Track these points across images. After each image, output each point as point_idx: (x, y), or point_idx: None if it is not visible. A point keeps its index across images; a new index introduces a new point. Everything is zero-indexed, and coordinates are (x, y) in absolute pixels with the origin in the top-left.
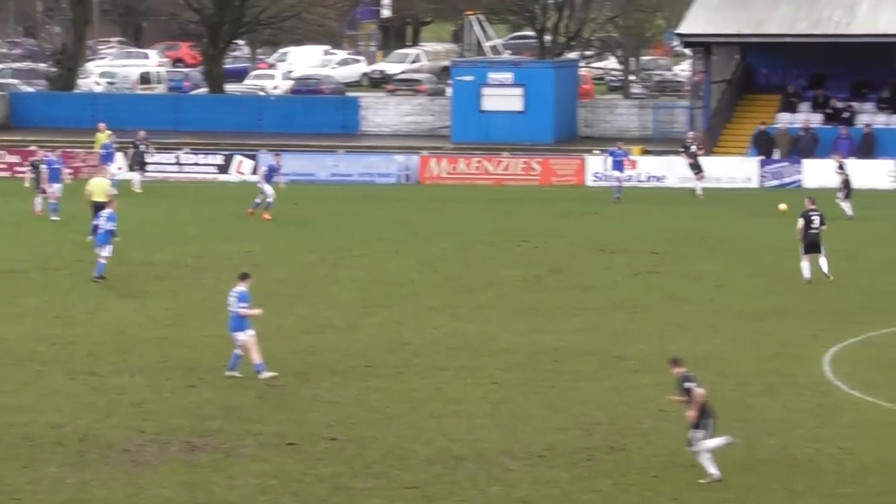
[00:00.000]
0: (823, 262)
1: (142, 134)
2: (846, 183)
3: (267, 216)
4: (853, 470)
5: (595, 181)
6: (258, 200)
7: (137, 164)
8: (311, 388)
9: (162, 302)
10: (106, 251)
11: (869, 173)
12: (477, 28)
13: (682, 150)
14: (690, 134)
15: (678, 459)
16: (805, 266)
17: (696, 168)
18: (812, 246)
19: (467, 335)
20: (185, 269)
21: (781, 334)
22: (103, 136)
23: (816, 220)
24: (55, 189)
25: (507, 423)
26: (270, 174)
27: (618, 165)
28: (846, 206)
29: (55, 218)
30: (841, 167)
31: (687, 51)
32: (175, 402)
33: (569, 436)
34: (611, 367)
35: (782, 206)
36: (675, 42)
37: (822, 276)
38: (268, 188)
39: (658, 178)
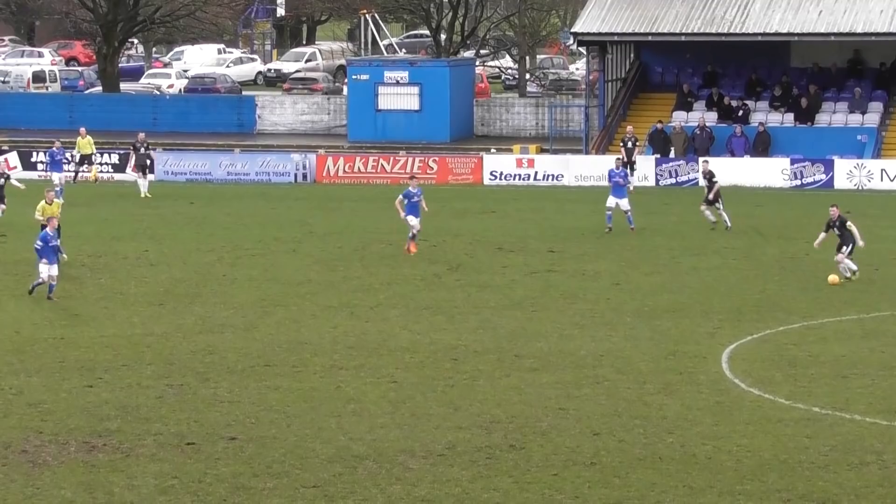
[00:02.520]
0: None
1: (141, 136)
2: (711, 189)
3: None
4: (752, 467)
5: (492, 180)
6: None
7: (141, 167)
8: (211, 387)
9: (58, 302)
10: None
11: (763, 171)
12: (372, 27)
13: (621, 144)
14: (629, 129)
15: (578, 457)
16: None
17: (629, 164)
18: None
19: (366, 334)
20: (81, 269)
21: (678, 332)
22: (84, 142)
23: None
24: (60, 177)
25: (407, 421)
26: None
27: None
28: (710, 214)
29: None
30: (708, 175)
31: (582, 49)
32: (73, 403)
33: (469, 434)
34: (509, 366)
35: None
36: (571, 41)
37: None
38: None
39: (555, 177)
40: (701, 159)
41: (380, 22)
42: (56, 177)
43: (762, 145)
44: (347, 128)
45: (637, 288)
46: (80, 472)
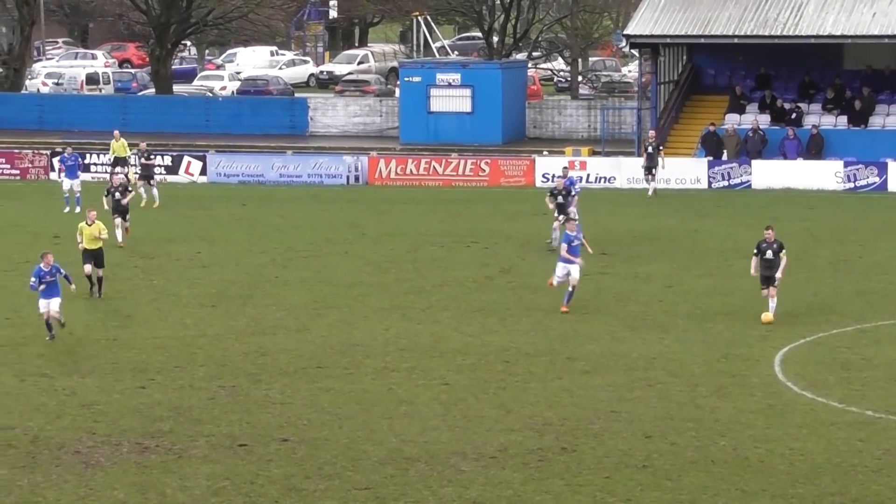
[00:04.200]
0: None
1: (143, 146)
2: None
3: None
4: (805, 470)
5: (544, 182)
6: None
7: (146, 177)
8: (263, 389)
9: (111, 303)
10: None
11: (816, 174)
12: (424, 29)
13: (644, 149)
14: (651, 133)
15: (630, 460)
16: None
17: (650, 168)
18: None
19: (418, 336)
20: (133, 271)
21: (731, 335)
22: (118, 145)
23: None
24: (73, 185)
25: (459, 424)
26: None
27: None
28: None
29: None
30: (565, 192)
31: (635, 52)
32: (125, 404)
33: (520, 437)
34: (561, 368)
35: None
36: (623, 43)
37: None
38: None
39: (607, 179)
40: (562, 166)
41: (432, 24)
42: (67, 183)
43: (815, 148)
44: (399, 130)
45: (689, 290)
46: (132, 473)
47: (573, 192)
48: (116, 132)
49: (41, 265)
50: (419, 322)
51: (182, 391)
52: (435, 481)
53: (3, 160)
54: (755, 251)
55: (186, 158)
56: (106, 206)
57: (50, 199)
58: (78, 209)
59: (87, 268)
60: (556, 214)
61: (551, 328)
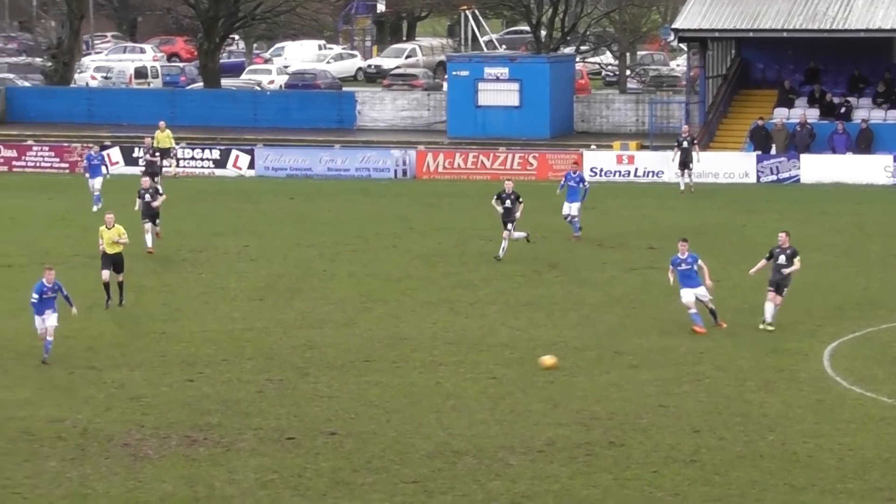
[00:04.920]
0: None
1: (148, 141)
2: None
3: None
4: (854, 465)
5: (592, 176)
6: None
7: (151, 175)
8: (311, 382)
9: (159, 296)
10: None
11: (866, 169)
12: (472, 23)
13: (676, 144)
14: (685, 128)
15: (678, 455)
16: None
17: (685, 164)
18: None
19: (466, 330)
20: (182, 264)
21: (779, 330)
22: (163, 136)
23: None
24: (97, 182)
25: (507, 417)
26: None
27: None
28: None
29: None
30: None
31: (683, 46)
32: (174, 397)
33: (568, 431)
34: (609, 363)
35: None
36: (671, 37)
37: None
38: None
39: (655, 174)
40: (506, 180)
41: (480, 18)
42: (93, 182)
43: (865, 142)
44: (447, 124)
45: (737, 285)
46: (181, 465)
47: (582, 189)
48: (162, 123)
49: (43, 280)
50: (467, 316)
51: (230, 384)
52: (483, 475)
53: (53, 153)
54: (767, 255)
55: (234, 152)
56: (137, 208)
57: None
58: (96, 207)
59: (105, 274)
60: (503, 222)
61: (599, 322)
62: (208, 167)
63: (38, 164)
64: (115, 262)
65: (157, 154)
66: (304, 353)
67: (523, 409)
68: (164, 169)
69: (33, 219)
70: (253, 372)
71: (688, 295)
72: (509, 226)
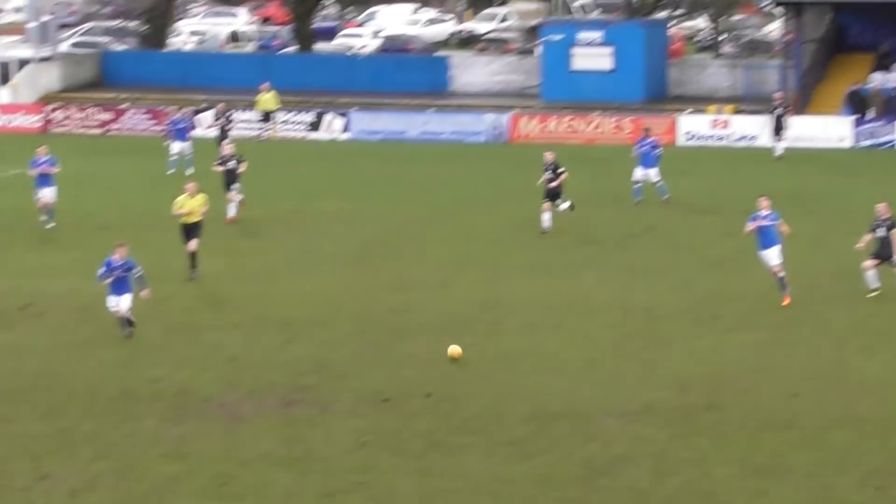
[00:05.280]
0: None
1: (221, 106)
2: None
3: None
4: None
5: (687, 140)
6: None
7: (223, 138)
8: (406, 344)
9: (255, 258)
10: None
11: None
12: None
13: (770, 111)
14: (777, 95)
15: (776, 418)
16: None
17: (779, 129)
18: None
19: (561, 294)
20: (277, 226)
21: (878, 293)
22: (267, 98)
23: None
24: (184, 147)
25: (603, 380)
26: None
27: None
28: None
29: (171, 171)
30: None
31: (778, 10)
32: (270, 358)
33: (665, 394)
34: (706, 326)
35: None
36: (766, 1)
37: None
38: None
39: (750, 138)
40: (546, 151)
41: None
42: (176, 146)
43: None
44: (541, 88)
45: (835, 249)
46: (277, 426)
47: (656, 154)
48: (266, 85)
49: (113, 256)
50: (562, 279)
51: (326, 346)
52: (579, 437)
53: (150, 116)
54: (870, 228)
55: (329, 116)
56: (217, 169)
57: (195, 155)
58: (191, 170)
59: (192, 244)
60: (543, 196)
61: (695, 286)
62: (303, 130)
63: (133, 127)
64: (194, 232)
65: (230, 119)
66: (399, 316)
67: (620, 373)
68: (265, 131)
69: (129, 182)
70: (349, 334)
71: (770, 256)
72: (556, 200)
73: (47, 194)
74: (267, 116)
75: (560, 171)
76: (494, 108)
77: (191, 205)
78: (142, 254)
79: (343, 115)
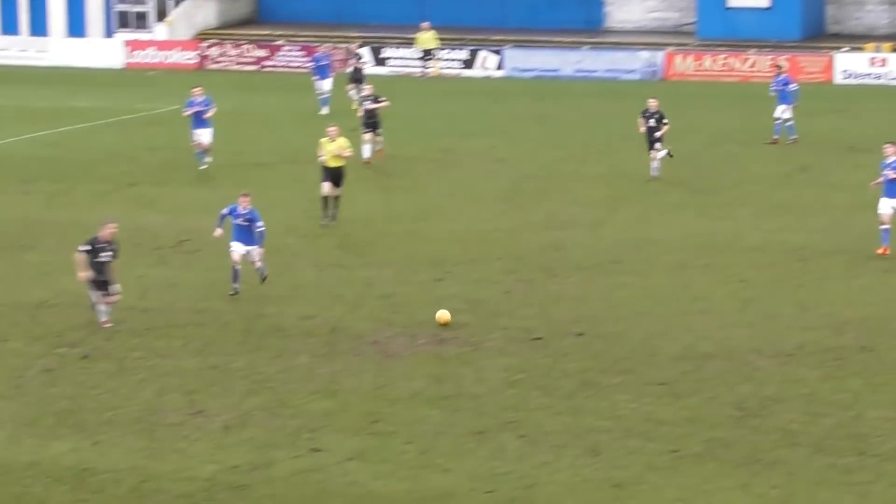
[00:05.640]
0: None
1: (353, 47)
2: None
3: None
4: None
5: (844, 79)
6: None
7: (356, 80)
8: (558, 283)
9: (408, 195)
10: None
11: None
12: None
13: None
14: None
15: None
16: None
17: None
18: None
19: (714, 233)
20: (430, 164)
21: None
22: (427, 37)
23: None
24: (325, 84)
25: (756, 321)
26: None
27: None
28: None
29: (325, 111)
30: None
31: None
32: (422, 295)
33: (818, 335)
34: (860, 267)
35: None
36: None
37: None
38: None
39: None
40: (650, 98)
41: None
42: (320, 84)
43: None
44: (696, 25)
45: None
46: (429, 363)
47: (790, 91)
48: (426, 24)
49: (238, 205)
50: (716, 219)
51: (478, 284)
52: (731, 378)
53: (304, 53)
54: None
55: (483, 53)
56: (355, 107)
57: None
58: (325, 110)
59: (326, 187)
60: (647, 141)
61: (850, 226)
62: (457, 67)
63: (287, 64)
64: (336, 176)
65: (363, 59)
66: (551, 254)
67: (772, 313)
68: (426, 70)
69: (283, 118)
70: (501, 272)
71: (884, 206)
72: (657, 145)
73: (202, 135)
74: (427, 54)
75: (664, 120)
76: (649, 46)
77: (332, 148)
78: (296, 190)
79: (497, 52)
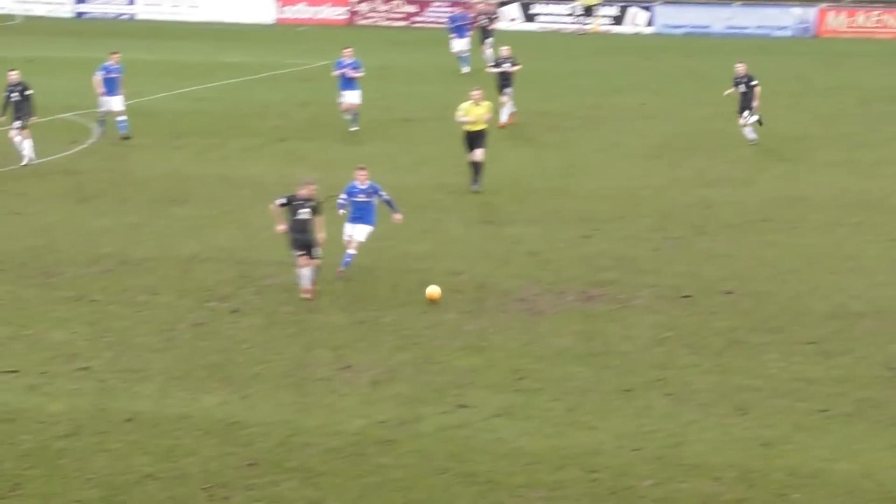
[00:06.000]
0: None
1: (482, 6)
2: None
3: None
4: None
5: None
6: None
7: (485, 37)
8: (707, 241)
9: (556, 152)
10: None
11: None
12: None
13: None
14: None
15: None
16: None
17: None
18: None
19: (866, 191)
20: (578, 121)
21: None
22: None
23: None
24: (462, 44)
25: None
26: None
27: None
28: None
29: (466, 70)
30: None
31: None
32: (570, 253)
33: None
34: None
35: None
36: None
37: None
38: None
39: None
40: (737, 63)
41: None
42: (458, 44)
43: None
44: None
45: None
46: (576, 321)
47: None
48: None
49: (356, 182)
50: (868, 177)
51: (626, 241)
52: (882, 337)
53: (452, 9)
54: None
55: (633, 9)
56: (489, 69)
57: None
58: (466, 69)
59: (472, 153)
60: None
61: None
62: (607, 24)
63: (437, 20)
64: (479, 140)
65: (488, 19)
66: (700, 212)
67: None
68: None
69: (432, 74)
70: (649, 230)
71: None
72: (745, 112)
73: (350, 97)
74: (588, 11)
75: (753, 83)
76: (802, 2)
77: (476, 112)
78: (445, 146)
79: (647, 9)
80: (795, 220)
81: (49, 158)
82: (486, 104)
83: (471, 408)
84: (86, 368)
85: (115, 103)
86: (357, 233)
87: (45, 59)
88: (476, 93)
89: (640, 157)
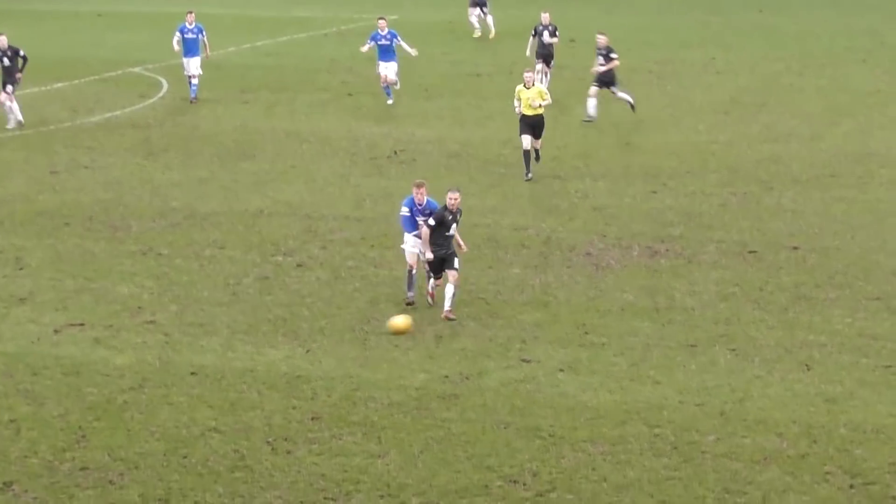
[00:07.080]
0: None
1: None
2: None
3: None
4: None
5: None
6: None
7: (476, 3)
8: (774, 196)
9: (624, 107)
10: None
11: None
12: None
13: None
14: None
15: None
16: None
17: None
18: None
19: None
20: (647, 76)
21: None
22: None
23: None
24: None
25: None
26: None
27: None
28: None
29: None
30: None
31: None
32: (636, 208)
33: None
34: None
35: None
36: None
37: None
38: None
39: None
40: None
41: None
42: (474, 10)
43: None
44: None
45: None
46: (641, 276)
47: None
48: None
49: (413, 197)
50: None
51: (693, 197)
52: None
53: None
54: None
55: None
56: (528, 52)
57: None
58: (477, 32)
59: (526, 140)
60: None
61: None
62: None
63: None
64: (534, 126)
65: None
66: (768, 167)
67: None
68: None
69: (502, 30)
70: (716, 185)
71: None
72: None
73: (387, 69)
74: None
75: (613, 55)
76: None
77: (527, 96)
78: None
79: None
80: (864, 175)
81: (118, 112)
82: (537, 88)
83: (534, 362)
84: (151, 322)
85: (192, 65)
86: (407, 245)
87: (114, 14)
88: (528, 76)
89: (709, 112)
